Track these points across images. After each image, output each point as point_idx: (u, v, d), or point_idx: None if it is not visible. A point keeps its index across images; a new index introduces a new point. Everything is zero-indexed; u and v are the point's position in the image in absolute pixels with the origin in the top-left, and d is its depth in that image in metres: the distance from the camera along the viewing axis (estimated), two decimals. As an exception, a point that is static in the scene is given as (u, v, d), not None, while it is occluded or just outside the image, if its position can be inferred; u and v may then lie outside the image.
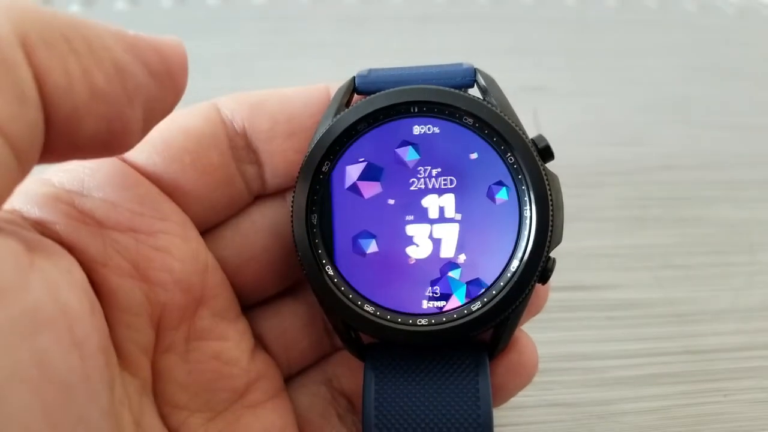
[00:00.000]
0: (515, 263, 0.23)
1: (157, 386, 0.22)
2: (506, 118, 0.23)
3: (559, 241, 0.23)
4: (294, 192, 0.23)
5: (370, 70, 0.25)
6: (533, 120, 0.43)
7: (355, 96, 0.25)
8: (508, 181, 0.23)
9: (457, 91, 0.23)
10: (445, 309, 0.23)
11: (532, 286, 0.23)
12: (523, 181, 0.23)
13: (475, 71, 0.24)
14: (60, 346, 0.15)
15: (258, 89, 0.26)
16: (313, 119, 0.24)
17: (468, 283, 0.23)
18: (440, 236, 0.23)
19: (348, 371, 0.26)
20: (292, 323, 0.26)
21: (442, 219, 0.23)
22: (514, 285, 0.22)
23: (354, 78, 0.25)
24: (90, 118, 0.16)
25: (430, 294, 0.23)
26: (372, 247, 0.24)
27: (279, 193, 0.25)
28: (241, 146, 0.24)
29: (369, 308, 0.23)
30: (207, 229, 0.24)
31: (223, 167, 0.24)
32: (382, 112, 0.23)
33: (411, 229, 0.23)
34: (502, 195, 0.23)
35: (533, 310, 0.25)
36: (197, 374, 0.22)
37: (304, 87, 0.25)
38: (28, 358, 0.14)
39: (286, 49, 0.52)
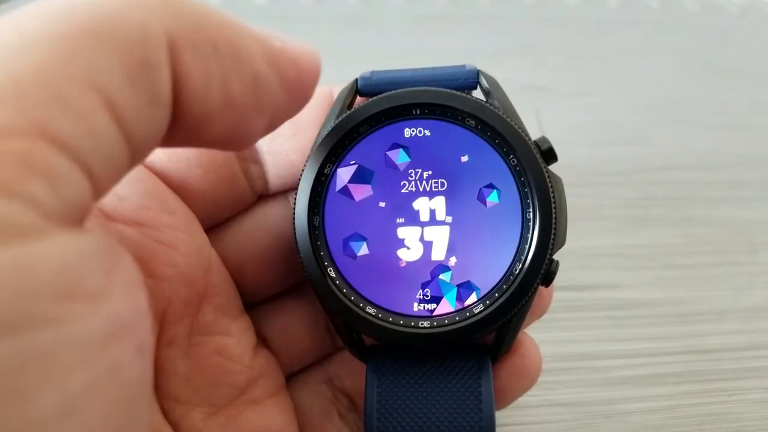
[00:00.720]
0: (518, 266, 0.23)
1: (158, 381, 0.22)
2: (509, 120, 0.23)
3: (562, 244, 0.23)
4: (297, 192, 0.23)
5: (372, 72, 0.25)
6: (535, 120, 0.43)
7: (358, 98, 0.25)
8: (506, 183, 0.23)
9: (459, 93, 0.23)
10: (435, 312, 0.23)
11: (536, 289, 0.23)
12: (526, 184, 0.23)
13: (478, 73, 0.24)
14: (129, 353, 0.15)
15: None
16: (316, 121, 0.24)
17: (459, 285, 0.23)
18: (431, 239, 0.23)
19: (350, 370, 0.26)
20: (294, 322, 0.26)
21: (432, 222, 0.23)
22: (517, 287, 0.22)
23: (356, 80, 0.25)
24: (218, 124, 0.16)
25: (421, 296, 0.23)
26: (363, 249, 0.24)
27: (282, 193, 0.25)
28: None
29: (371, 310, 0.23)
30: (211, 227, 0.24)
31: (227, 165, 0.24)
32: (384, 115, 0.23)
33: (402, 232, 0.23)
34: (492, 198, 0.23)
35: (537, 312, 0.25)
36: (199, 369, 0.22)
37: None
38: (105, 368, 0.13)
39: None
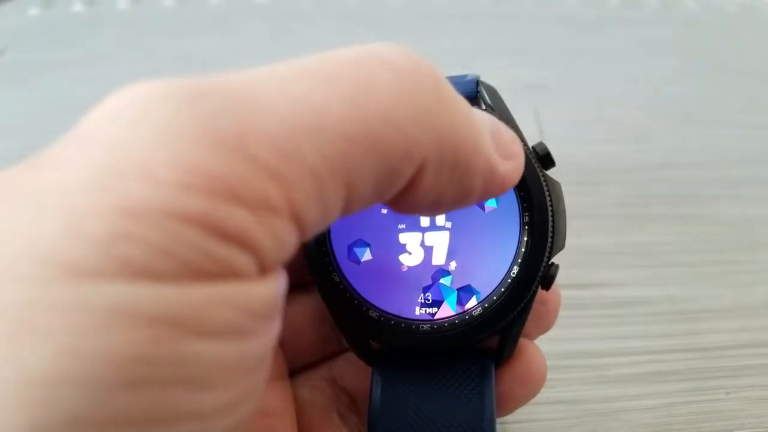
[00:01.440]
0: (515, 269, 0.23)
1: None
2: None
3: (561, 247, 0.23)
4: None
5: None
6: (534, 118, 0.43)
7: None
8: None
9: None
10: (436, 316, 0.24)
11: (534, 292, 0.23)
12: (522, 188, 0.23)
13: (477, 82, 0.25)
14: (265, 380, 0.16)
15: None
16: None
17: (459, 289, 0.24)
18: (432, 244, 0.24)
19: (354, 371, 0.26)
20: (301, 316, 0.26)
21: (433, 227, 0.24)
22: (515, 290, 0.23)
23: None
24: (411, 213, 0.18)
25: (423, 300, 0.24)
26: (366, 255, 0.24)
27: None
28: None
29: (374, 314, 0.23)
30: None
31: None
32: None
33: (403, 238, 0.24)
34: (491, 203, 0.24)
35: (543, 324, 0.25)
36: None
37: None
38: (255, 384, 0.15)
39: (288, 49, 0.52)
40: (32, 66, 0.53)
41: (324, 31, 0.53)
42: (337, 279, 0.24)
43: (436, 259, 0.24)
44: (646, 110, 0.46)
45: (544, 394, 0.31)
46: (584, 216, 0.38)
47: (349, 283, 0.24)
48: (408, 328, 0.23)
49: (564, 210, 0.24)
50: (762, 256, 0.38)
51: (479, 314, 0.23)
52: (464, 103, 0.16)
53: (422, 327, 0.23)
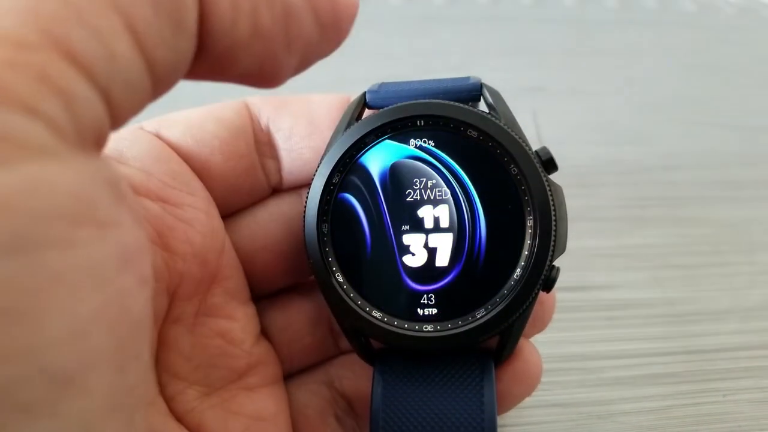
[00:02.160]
0: (518, 272, 0.23)
1: (160, 354, 0.22)
2: (510, 131, 0.23)
3: (562, 251, 0.24)
4: (306, 200, 0.24)
5: (380, 85, 0.26)
6: (532, 121, 0.44)
7: (367, 110, 0.26)
8: (510, 192, 0.24)
9: (462, 105, 0.24)
10: (439, 317, 0.24)
11: (536, 294, 0.23)
12: (526, 192, 0.23)
13: (481, 86, 0.25)
14: (135, 283, 0.14)
15: (257, 90, 0.26)
16: (331, 124, 0.25)
17: (462, 291, 0.24)
18: (435, 245, 0.24)
19: (351, 374, 0.26)
20: (298, 319, 0.26)
21: (437, 229, 0.24)
22: (518, 293, 0.23)
23: (365, 93, 0.25)
24: (244, 56, 0.16)
25: (425, 301, 0.24)
26: (370, 255, 0.24)
27: (295, 188, 0.26)
28: (264, 141, 0.25)
29: (377, 314, 0.24)
30: (226, 215, 0.25)
31: (248, 157, 0.25)
32: (389, 126, 0.24)
33: (407, 239, 0.24)
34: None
35: (538, 326, 0.26)
36: (201, 348, 0.23)
37: (327, 94, 0.26)
38: (114, 295, 0.13)
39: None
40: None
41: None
42: (340, 279, 0.24)
43: (440, 261, 0.24)
44: (644, 112, 0.46)
45: (541, 397, 0.31)
46: (582, 218, 0.38)
47: (352, 284, 0.24)
48: (411, 329, 0.23)
49: (565, 214, 0.24)
50: (760, 257, 0.38)
51: (482, 316, 0.23)
52: None
53: (425, 328, 0.23)
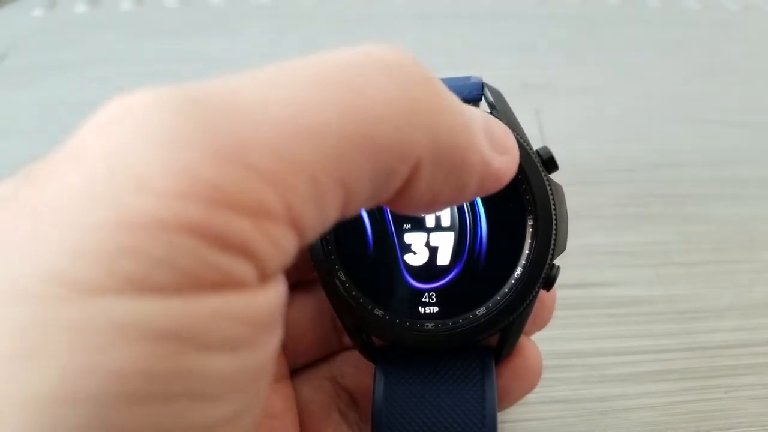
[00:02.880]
0: (519, 270, 0.23)
1: None
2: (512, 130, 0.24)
3: (563, 249, 0.24)
4: None
5: None
6: (534, 118, 0.44)
7: None
8: (512, 191, 0.24)
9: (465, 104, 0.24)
10: (441, 315, 0.24)
11: (537, 292, 0.23)
12: (527, 192, 0.23)
13: (482, 86, 0.25)
14: (268, 387, 0.16)
15: None
16: None
17: (463, 289, 0.24)
18: (437, 244, 0.24)
19: (354, 369, 0.26)
20: (301, 315, 0.26)
21: (438, 228, 0.24)
22: (518, 291, 0.23)
23: None
24: (407, 212, 0.17)
25: (427, 299, 0.24)
26: (371, 254, 0.24)
27: None
28: None
29: (378, 312, 0.24)
30: None
31: None
32: None
33: (409, 237, 0.24)
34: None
35: (539, 323, 0.26)
36: None
37: None
38: (257, 393, 0.15)
39: (290, 49, 0.52)
40: (36, 67, 0.53)
41: (325, 31, 0.53)
42: (342, 277, 0.24)
43: (441, 260, 0.24)
44: (646, 110, 0.46)
45: (543, 394, 0.31)
46: (584, 216, 0.38)
47: (354, 282, 0.24)
48: (413, 326, 0.24)
49: (566, 213, 0.24)
50: (761, 255, 0.38)
51: (483, 314, 0.23)
52: (456, 101, 0.16)
53: (427, 326, 0.24)
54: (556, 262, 0.24)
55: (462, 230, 0.24)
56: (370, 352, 0.25)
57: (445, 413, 0.23)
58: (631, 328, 0.34)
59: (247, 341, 0.13)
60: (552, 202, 0.23)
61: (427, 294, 0.24)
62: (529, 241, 0.23)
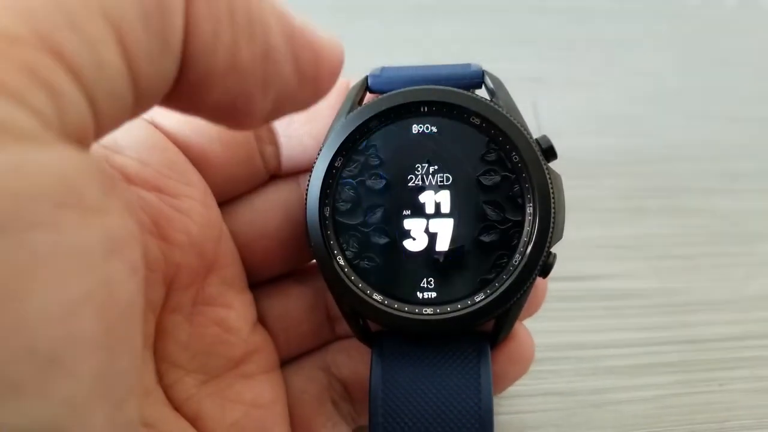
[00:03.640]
0: (517, 257, 0.24)
1: (158, 344, 0.22)
2: (512, 118, 0.24)
3: (560, 237, 0.24)
4: (308, 184, 0.24)
5: (382, 69, 0.26)
6: (532, 111, 0.44)
7: (368, 94, 0.26)
8: (511, 179, 0.24)
9: (465, 92, 0.24)
10: (439, 301, 0.24)
11: (534, 279, 0.24)
12: (527, 180, 0.24)
13: (483, 73, 0.25)
14: (125, 270, 0.15)
15: None
16: (331, 110, 0.25)
17: (462, 275, 0.24)
18: (436, 230, 0.24)
19: (347, 359, 0.26)
20: (294, 306, 0.26)
21: (437, 214, 0.24)
22: (516, 278, 0.23)
23: (367, 77, 0.26)
24: (219, 88, 0.16)
25: (425, 285, 0.24)
26: (372, 238, 0.24)
27: (293, 175, 0.26)
28: (263, 127, 0.25)
29: (377, 297, 0.24)
30: (224, 202, 0.25)
31: (245, 144, 0.25)
32: (392, 111, 0.24)
33: (408, 223, 0.24)
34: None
35: (531, 309, 0.26)
36: (198, 337, 0.23)
37: None
38: (102, 280, 0.14)
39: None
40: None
41: (322, 21, 0.53)
42: (341, 262, 0.24)
43: (440, 245, 0.24)
44: (643, 103, 0.46)
45: (537, 386, 0.31)
46: (581, 208, 0.38)
47: (352, 266, 0.24)
48: (411, 311, 0.24)
49: (563, 201, 0.24)
50: (757, 248, 0.38)
51: (481, 300, 0.24)
52: None
53: (425, 311, 0.24)
54: (553, 250, 0.24)
55: (461, 217, 0.24)
56: (366, 337, 0.25)
57: (441, 397, 0.23)
58: (626, 321, 0.34)
59: (45, 201, 0.12)
60: (551, 190, 0.23)
61: (425, 279, 0.24)
62: (528, 228, 0.24)
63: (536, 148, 0.24)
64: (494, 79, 0.25)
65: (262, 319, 0.26)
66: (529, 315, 0.26)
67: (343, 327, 0.25)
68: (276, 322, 0.26)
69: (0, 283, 0.12)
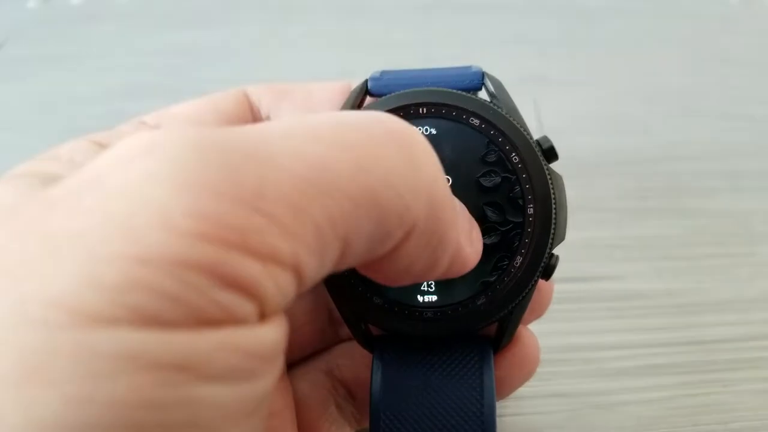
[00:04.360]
0: (518, 259, 0.23)
1: None
2: (512, 119, 0.24)
3: (562, 239, 0.24)
4: None
5: (381, 73, 0.26)
6: (533, 110, 0.43)
7: (368, 98, 0.26)
8: (512, 180, 0.24)
9: (465, 93, 0.24)
10: (440, 304, 0.24)
11: (536, 282, 0.23)
12: (527, 181, 0.23)
13: (483, 75, 0.25)
14: (263, 422, 0.16)
15: (259, 79, 0.26)
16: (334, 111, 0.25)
17: (462, 278, 0.24)
18: None
19: (350, 361, 0.26)
20: (297, 309, 0.26)
21: None
22: (518, 280, 0.23)
23: (367, 80, 0.25)
24: (380, 278, 0.19)
25: (426, 288, 0.24)
26: None
27: None
28: None
29: (377, 300, 0.24)
30: None
31: None
32: (392, 113, 0.24)
33: None
34: None
35: (537, 311, 0.26)
36: None
37: (328, 82, 0.26)
38: (253, 427, 0.15)
39: (287, 39, 0.52)
40: (31, 59, 0.53)
41: (323, 22, 0.53)
42: None
43: None
44: (646, 102, 0.46)
45: (542, 387, 0.31)
46: (583, 209, 0.38)
47: (352, 270, 0.24)
48: (412, 315, 0.24)
49: (565, 202, 0.24)
50: (761, 248, 0.37)
51: (482, 303, 0.23)
52: (444, 181, 0.18)
53: (426, 314, 0.24)
54: (555, 252, 0.24)
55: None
56: (367, 342, 0.25)
57: (443, 403, 0.23)
58: (629, 322, 0.34)
59: (246, 374, 0.14)
60: (552, 191, 0.23)
61: (425, 282, 0.24)
62: (529, 230, 0.23)
63: (536, 149, 0.23)
64: (494, 80, 0.25)
65: None
66: (535, 318, 0.26)
67: (346, 329, 0.25)
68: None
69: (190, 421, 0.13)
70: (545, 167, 0.23)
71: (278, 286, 0.14)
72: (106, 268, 0.12)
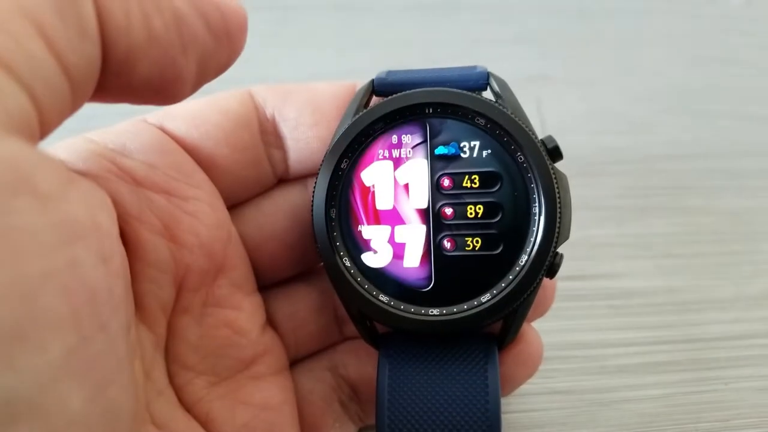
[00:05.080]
0: (524, 258, 0.24)
1: (169, 345, 0.22)
2: (517, 119, 0.24)
3: (566, 238, 0.24)
4: (315, 185, 0.24)
5: (387, 73, 0.26)
6: (536, 109, 0.43)
7: (374, 97, 0.26)
8: (517, 179, 0.24)
9: (471, 93, 0.24)
10: (446, 302, 0.24)
11: (540, 280, 0.24)
12: (532, 180, 0.24)
13: (488, 75, 0.25)
14: (91, 257, 0.16)
15: (260, 79, 0.26)
16: (338, 112, 0.25)
17: (471, 276, 0.24)
18: None
19: (355, 359, 0.26)
20: (303, 307, 0.26)
21: None
22: (523, 278, 0.23)
23: (373, 80, 0.26)
24: (144, 61, 0.17)
25: (430, 287, 0.24)
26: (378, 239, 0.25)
27: (300, 178, 0.27)
28: (270, 131, 0.25)
29: (383, 298, 0.24)
30: (232, 205, 0.25)
31: (252, 148, 0.25)
32: (398, 113, 0.24)
33: None
34: None
35: (539, 310, 0.26)
36: (208, 338, 0.23)
37: (333, 82, 0.26)
38: (63, 263, 0.15)
39: (288, 39, 0.52)
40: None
41: (322, 22, 0.53)
42: (347, 264, 0.24)
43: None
44: (647, 101, 0.46)
45: (543, 385, 0.31)
46: (585, 207, 0.38)
47: (358, 268, 0.24)
48: (417, 313, 0.24)
49: (570, 201, 0.24)
50: (763, 247, 0.38)
51: (488, 300, 0.24)
52: None
53: (431, 312, 0.24)
54: (559, 250, 0.24)
55: (468, 218, 0.24)
56: (373, 339, 0.25)
57: (448, 399, 0.23)
58: (631, 320, 0.34)
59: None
60: (556, 190, 0.23)
61: (431, 281, 0.24)
62: (534, 229, 0.24)
63: (541, 149, 0.24)
64: (499, 80, 0.25)
65: (270, 321, 0.26)
66: (539, 316, 0.26)
67: (351, 328, 0.26)
68: (284, 324, 0.26)
69: None
70: (550, 167, 0.24)
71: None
72: None
